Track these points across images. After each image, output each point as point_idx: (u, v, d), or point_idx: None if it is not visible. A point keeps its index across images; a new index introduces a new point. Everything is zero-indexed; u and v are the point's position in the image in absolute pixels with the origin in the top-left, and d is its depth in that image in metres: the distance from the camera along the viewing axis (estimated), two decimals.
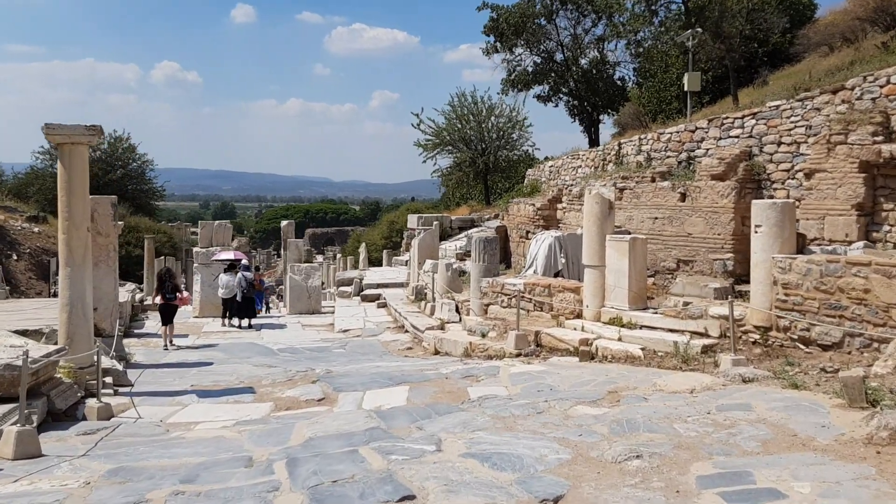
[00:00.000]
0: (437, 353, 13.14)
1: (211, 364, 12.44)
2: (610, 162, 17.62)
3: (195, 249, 19.79)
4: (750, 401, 7.28)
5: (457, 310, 14.94)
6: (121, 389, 9.92)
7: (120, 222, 16.67)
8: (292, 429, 7.22)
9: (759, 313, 9.76)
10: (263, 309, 24.65)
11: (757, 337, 9.85)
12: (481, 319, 13.40)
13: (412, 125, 32.31)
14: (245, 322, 17.52)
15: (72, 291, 9.32)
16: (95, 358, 8.52)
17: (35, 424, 7.22)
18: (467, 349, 12.19)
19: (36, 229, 33.97)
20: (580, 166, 20.12)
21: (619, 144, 17.59)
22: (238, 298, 17.23)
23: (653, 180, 14.81)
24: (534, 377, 9.24)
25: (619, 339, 10.67)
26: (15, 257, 26.89)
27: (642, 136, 16.62)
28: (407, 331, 15.82)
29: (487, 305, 13.76)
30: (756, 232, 9.96)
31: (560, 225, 18.74)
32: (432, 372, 10.16)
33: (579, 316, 12.09)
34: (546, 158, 25.06)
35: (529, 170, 25.91)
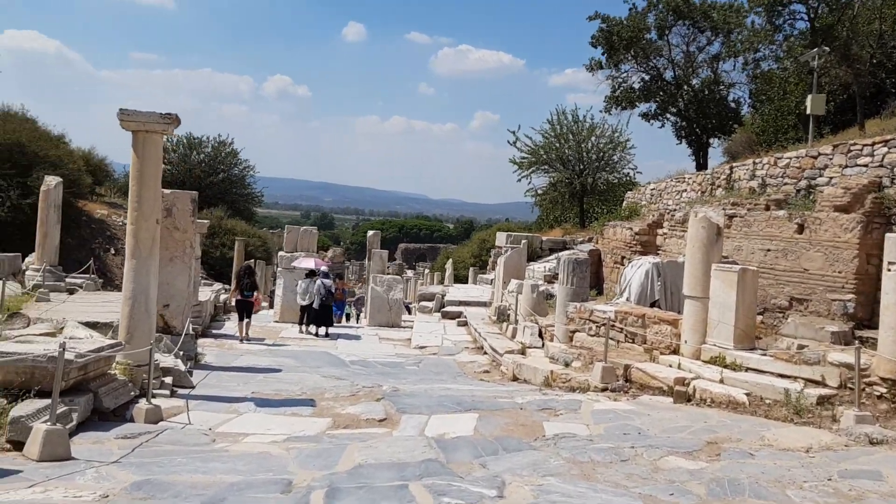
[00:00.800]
0: (515, 379, 12.21)
1: (279, 371, 11.94)
2: (719, 187, 16.30)
3: (280, 253, 19.59)
4: (880, 468, 6.09)
5: (540, 334, 13.97)
6: (179, 391, 9.48)
7: (204, 220, 16.58)
8: (343, 451, 6.50)
9: (889, 363, 8.40)
10: (343, 318, 24.32)
11: (884, 391, 8.50)
12: (565, 347, 12.39)
13: (508, 142, 31.60)
14: (322, 330, 17.07)
15: (135, 284, 8.95)
16: (150, 355, 8.05)
17: (74, 423, 6.78)
18: (548, 378, 11.21)
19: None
20: (685, 190, 18.81)
21: (731, 168, 16.25)
22: (315, 306, 16.80)
23: (767, 208, 13.47)
24: (620, 416, 8.21)
25: (721, 381, 9.47)
26: (112, 251, 27.59)
27: (757, 161, 15.27)
28: (486, 352, 14.95)
29: (573, 332, 12.74)
30: (889, 270, 8.62)
31: (659, 252, 17.50)
32: (506, 400, 9.26)
33: (675, 352, 10.93)
34: (647, 183, 23.75)
35: (629, 192, 24.65)
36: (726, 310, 10.06)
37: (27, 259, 19.23)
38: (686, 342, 10.73)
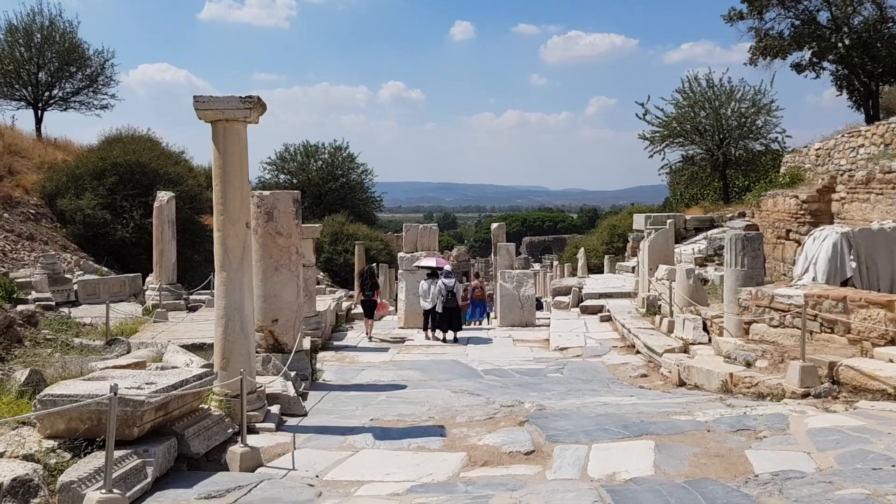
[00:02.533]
0: (681, 384, 10.16)
1: (404, 388, 10.45)
2: None
3: (399, 255, 18.25)
4: None
5: (704, 328, 11.78)
6: (288, 421, 8.12)
7: (316, 224, 15.46)
8: None
9: None
10: (485, 320, 22.73)
11: None
12: (741, 342, 10.19)
13: (637, 115, 28.93)
14: (449, 335, 15.52)
15: (227, 301, 7.63)
16: (241, 386, 6.67)
17: (148, 481, 5.44)
18: (726, 382, 9.10)
19: None
20: (862, 145, 15.91)
21: None
22: (438, 309, 15.27)
23: None
24: (850, 438, 6.07)
25: None
26: None
27: None
28: (638, 352, 12.90)
29: (749, 323, 10.50)
30: None
31: (836, 220, 14.78)
32: (684, 418, 7.28)
33: (894, 342, 8.55)
34: (807, 145, 20.49)
35: (787, 156, 21.63)
36: None
37: (147, 279, 18.87)
38: None
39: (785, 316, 9.86)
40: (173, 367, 8.05)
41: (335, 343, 15.40)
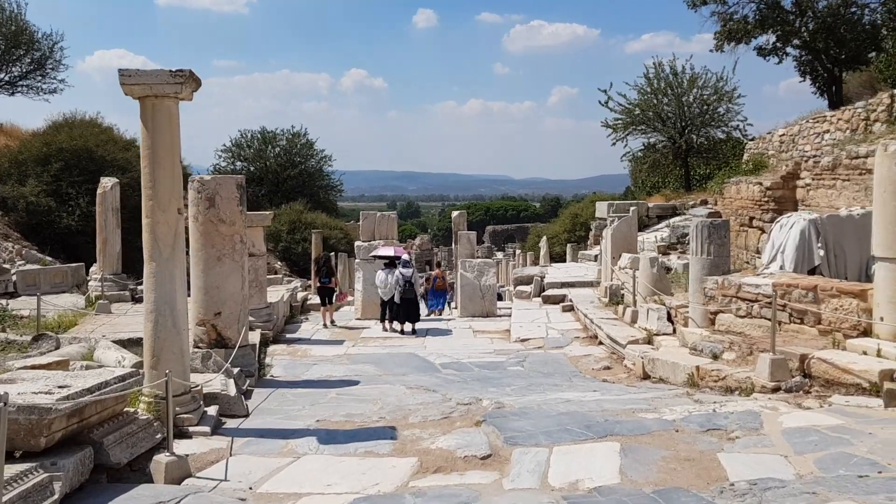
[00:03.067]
0: (645, 376, 9.76)
1: (356, 384, 9.88)
2: (876, 121, 13.20)
3: (356, 243, 17.58)
4: None
5: (668, 318, 11.40)
6: (228, 423, 7.50)
7: (266, 212, 14.74)
8: None
9: None
10: (445, 309, 22.25)
11: None
12: (706, 333, 9.82)
13: (599, 102, 28.59)
14: (407, 327, 14.96)
15: (157, 294, 6.97)
16: (167, 388, 6.02)
17: (56, 498, 4.81)
18: (692, 376, 8.71)
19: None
20: (827, 131, 15.68)
21: (893, 97, 13.12)
22: (396, 300, 14.70)
23: None
24: (829, 439, 5.67)
25: None
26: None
27: None
28: (601, 343, 12.50)
29: (714, 314, 10.13)
30: None
31: (801, 207, 14.54)
32: (651, 416, 6.84)
33: (866, 333, 8.22)
34: (771, 131, 20.18)
35: (750, 143, 21.40)
36: None
37: (91, 269, 17.96)
38: (882, 319, 8.00)
39: (752, 306, 9.50)
40: (99, 367, 7.38)
41: (288, 335, 14.73)
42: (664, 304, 11.69)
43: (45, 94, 30.97)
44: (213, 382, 8.09)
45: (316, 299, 20.58)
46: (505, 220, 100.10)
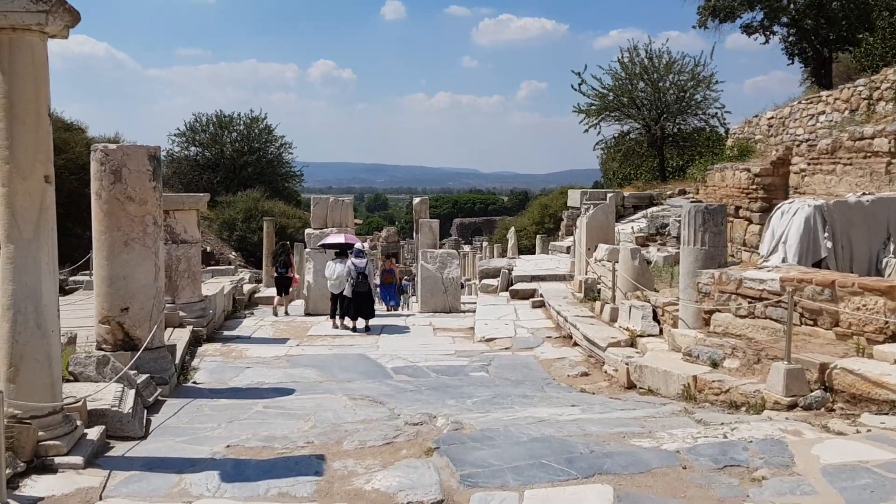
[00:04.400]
0: (630, 385, 8.37)
1: (291, 392, 8.37)
2: (879, 100, 11.95)
3: (307, 231, 15.98)
4: None
5: (654, 317, 10.04)
6: (116, 448, 5.95)
7: (201, 194, 13.03)
8: None
9: None
10: (402, 305, 20.88)
11: None
12: (701, 335, 8.44)
13: (572, 86, 27.16)
14: (360, 323, 13.42)
15: (16, 285, 5.36)
16: None
17: None
18: (689, 387, 7.33)
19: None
20: (823, 112, 14.44)
21: None
22: (346, 293, 13.17)
23: None
24: (886, 483, 4.28)
25: None
26: None
27: None
28: (576, 344, 11.11)
29: (710, 313, 8.77)
30: None
31: (794, 194, 13.27)
32: (647, 443, 5.41)
33: (895, 338, 6.90)
34: (757, 114, 18.84)
35: (734, 126, 20.16)
36: None
37: None
38: None
39: (755, 304, 8.14)
40: None
41: (226, 333, 13.11)
42: (649, 301, 10.32)
43: None
44: (103, 395, 6.50)
45: (266, 292, 19.00)
46: (473, 214, 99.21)
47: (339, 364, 10.29)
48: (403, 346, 11.84)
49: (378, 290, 19.69)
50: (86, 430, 5.88)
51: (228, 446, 5.95)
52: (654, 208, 20.35)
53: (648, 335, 9.79)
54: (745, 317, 8.25)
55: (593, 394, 8.22)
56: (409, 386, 8.78)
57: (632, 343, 9.76)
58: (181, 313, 12.17)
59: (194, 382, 9.23)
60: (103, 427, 6.11)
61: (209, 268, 27.32)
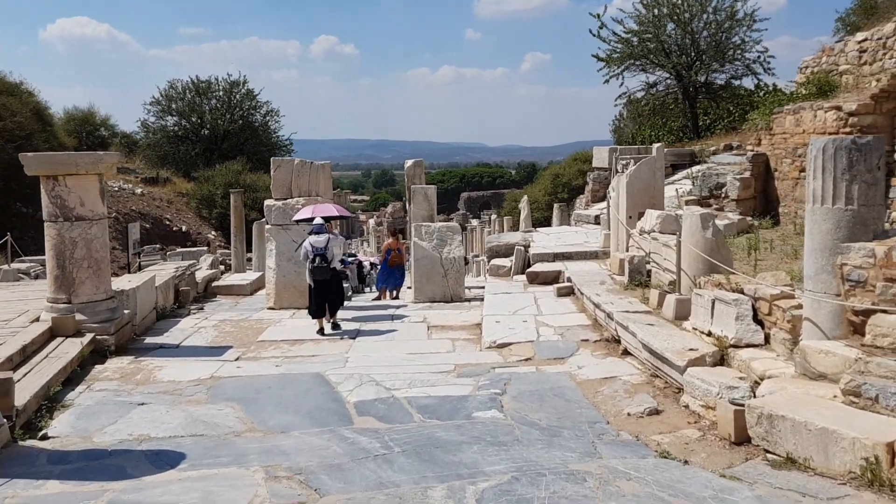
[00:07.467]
0: (741, 439, 4.95)
1: (172, 466, 5.04)
2: None
3: (266, 203, 12.49)
4: None
5: (754, 317, 6.56)
6: None
7: (112, 152, 9.58)
8: None
9: None
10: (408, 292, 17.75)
11: None
12: (861, 354, 4.98)
13: (590, 32, 23.40)
14: (328, 325, 10.00)
15: None
16: None
17: None
18: (876, 463, 3.88)
19: (138, 191, 28.79)
20: None
21: None
22: (308, 281, 9.78)
23: None
24: None
25: None
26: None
27: None
28: (627, 351, 7.69)
29: (865, 314, 5.30)
30: None
31: None
32: None
33: None
34: (839, 40, 15.16)
35: (806, 58, 16.48)
36: None
37: None
38: None
39: None
40: None
41: (148, 340, 9.73)
42: (742, 292, 6.84)
43: None
44: None
45: (231, 279, 15.72)
46: (480, 187, 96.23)
47: (279, 396, 6.89)
48: (382, 358, 8.41)
49: (375, 273, 16.90)
50: None
51: None
52: (698, 167, 16.82)
53: (748, 345, 6.35)
54: None
55: (686, 462, 4.79)
56: (376, 444, 5.39)
57: (721, 358, 6.33)
58: (79, 316, 8.89)
59: (42, 437, 5.88)
60: None
61: (179, 250, 24.06)
